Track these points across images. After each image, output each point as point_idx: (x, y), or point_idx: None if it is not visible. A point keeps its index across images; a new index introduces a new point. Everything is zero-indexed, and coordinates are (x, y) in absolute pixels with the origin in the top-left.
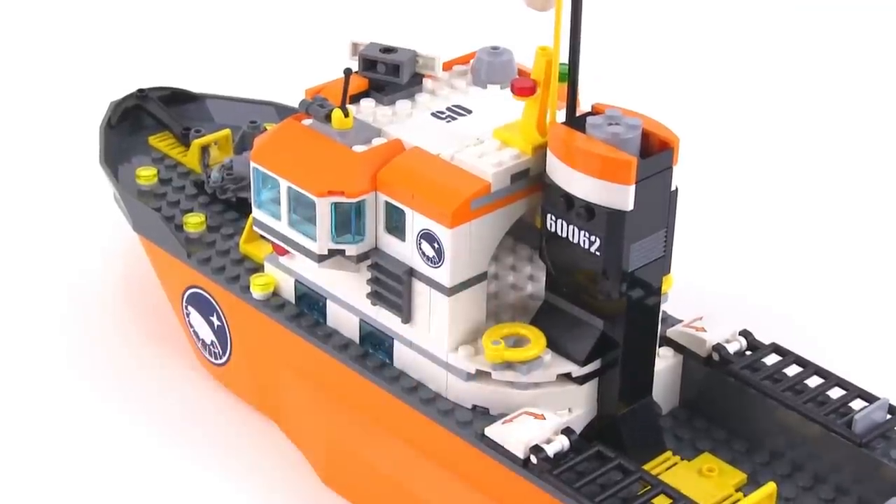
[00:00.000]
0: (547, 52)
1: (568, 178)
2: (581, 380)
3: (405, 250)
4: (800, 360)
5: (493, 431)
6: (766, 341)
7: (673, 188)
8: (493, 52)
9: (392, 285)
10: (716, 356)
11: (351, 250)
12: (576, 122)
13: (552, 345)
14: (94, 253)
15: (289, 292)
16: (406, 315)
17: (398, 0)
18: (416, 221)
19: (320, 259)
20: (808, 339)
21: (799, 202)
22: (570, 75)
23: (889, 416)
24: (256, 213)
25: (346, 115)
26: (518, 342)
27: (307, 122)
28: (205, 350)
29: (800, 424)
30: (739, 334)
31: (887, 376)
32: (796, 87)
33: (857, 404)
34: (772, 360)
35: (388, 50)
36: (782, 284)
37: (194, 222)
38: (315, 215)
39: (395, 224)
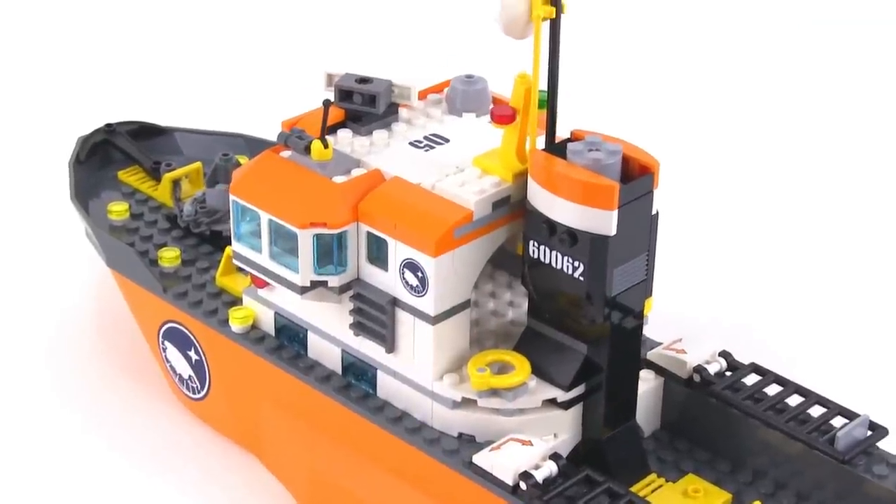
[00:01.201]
0: (526, 80)
1: (550, 204)
2: (566, 405)
3: (388, 280)
4: (779, 380)
5: (481, 459)
6: (745, 362)
7: (654, 212)
8: (468, 80)
9: (375, 315)
10: (697, 377)
11: (333, 281)
12: (556, 148)
13: (536, 370)
14: (66, 289)
15: (268, 325)
16: (390, 345)
17: (367, 30)
18: (398, 251)
19: (303, 291)
20: (787, 359)
21: (768, 223)
22: (550, 102)
23: (870, 433)
24: (236, 245)
25: (326, 146)
26: (503, 369)
27: (286, 153)
28: (182, 385)
29: (782, 443)
30: (719, 355)
31: (864, 392)
32: (768, 111)
33: (837, 421)
34: (752, 379)
35: (363, 80)
36: (757, 305)
37: (169, 257)
38: (296, 247)
39: (378, 254)
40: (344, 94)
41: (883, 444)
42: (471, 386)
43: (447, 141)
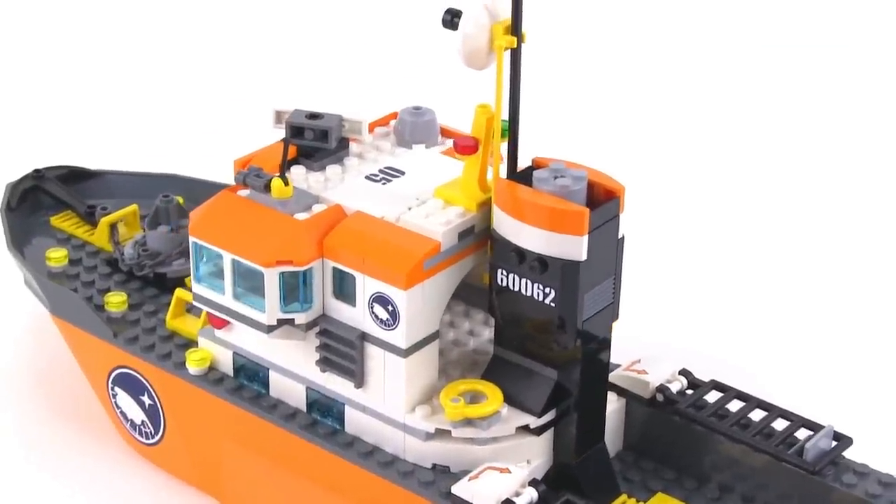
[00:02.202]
0: (486, 110)
1: (518, 232)
2: (538, 430)
3: (356, 315)
4: (741, 395)
5: (460, 489)
6: (704, 379)
7: (620, 236)
8: (416, 112)
9: (344, 351)
10: (660, 397)
11: (300, 318)
12: (520, 176)
13: (507, 398)
14: (2, 339)
15: (226, 366)
16: (359, 380)
17: (289, 66)
18: (367, 285)
19: (269, 329)
20: (745, 374)
21: (710, 241)
22: (511, 131)
23: (835, 443)
24: (196, 287)
25: (287, 183)
26: (474, 398)
27: (243, 192)
28: (134, 430)
29: (747, 457)
30: (679, 374)
31: (821, 403)
32: (718, 135)
33: (801, 433)
34: (713, 396)
35: (314, 116)
36: (708, 323)
37: (116, 302)
38: (261, 286)
39: (344, 289)
40: (295, 131)
41: (846, 453)
42: (445, 416)
43: (402, 173)
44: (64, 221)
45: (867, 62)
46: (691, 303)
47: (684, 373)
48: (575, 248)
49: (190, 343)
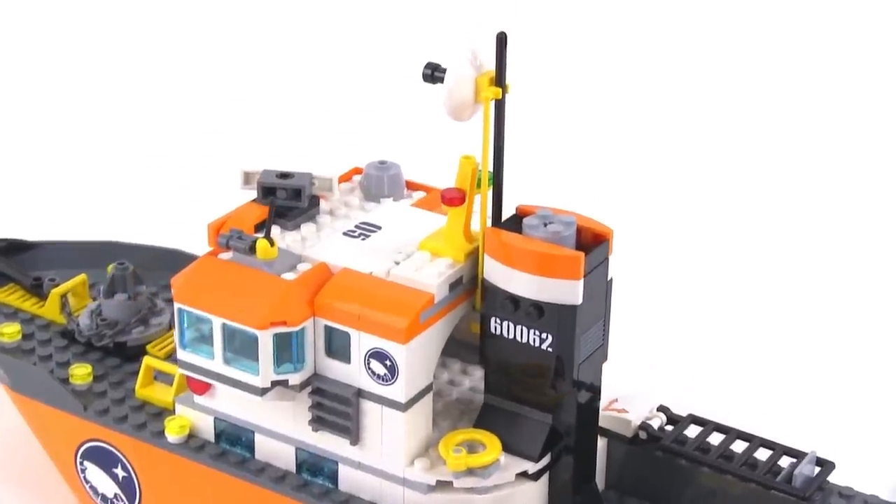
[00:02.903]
0: (471, 161)
1: (511, 279)
2: (536, 475)
3: (351, 371)
4: (720, 427)
5: None
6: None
7: (609, 278)
8: (381, 166)
9: (338, 409)
10: (643, 434)
11: (294, 379)
12: (507, 224)
13: (504, 445)
14: None
15: (207, 432)
16: (355, 436)
17: (223, 128)
18: (363, 342)
19: (263, 392)
20: (720, 406)
21: (661, 273)
22: (496, 180)
23: (818, 468)
24: (182, 354)
25: (272, 244)
26: (472, 447)
27: (225, 256)
28: None
29: (733, 488)
30: (657, 410)
31: (796, 430)
32: (684, 183)
33: (784, 461)
34: (693, 431)
35: (284, 175)
36: (678, 357)
37: (81, 374)
38: (252, 349)
39: (337, 347)
40: (267, 191)
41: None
42: (448, 468)
43: (379, 228)
44: (9, 295)
45: (841, 76)
46: (658, 338)
47: (662, 409)
48: (571, 292)
49: (163, 411)
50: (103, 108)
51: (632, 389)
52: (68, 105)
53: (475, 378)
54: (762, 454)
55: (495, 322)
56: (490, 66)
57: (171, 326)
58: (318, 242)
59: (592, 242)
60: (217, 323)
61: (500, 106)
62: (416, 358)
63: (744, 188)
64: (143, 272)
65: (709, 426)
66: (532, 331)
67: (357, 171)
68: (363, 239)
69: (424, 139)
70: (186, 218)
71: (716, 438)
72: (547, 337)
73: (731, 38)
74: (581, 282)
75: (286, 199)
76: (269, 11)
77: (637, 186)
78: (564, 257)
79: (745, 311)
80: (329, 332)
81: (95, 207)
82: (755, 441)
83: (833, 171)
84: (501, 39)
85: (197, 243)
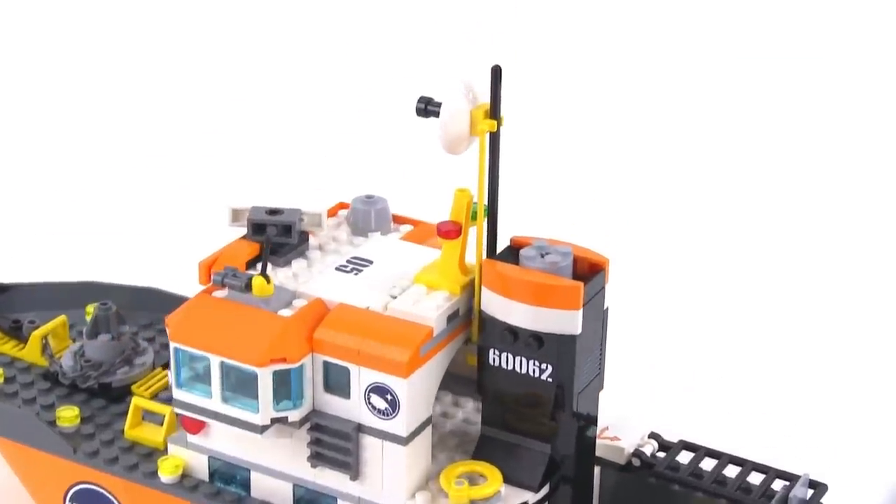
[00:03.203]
0: (466, 194)
1: (510, 310)
2: None
3: (351, 407)
4: (711, 452)
5: None
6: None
7: (605, 307)
8: (368, 200)
9: (338, 444)
10: (636, 462)
11: (293, 416)
12: (503, 256)
13: (503, 476)
14: None
15: (201, 471)
16: (355, 471)
17: (192, 166)
18: (363, 377)
19: (263, 430)
20: (711, 430)
21: (647, 299)
22: (491, 212)
23: (811, 491)
24: (178, 393)
25: (269, 281)
26: (473, 479)
27: (220, 294)
28: None
29: None
30: (649, 437)
31: (784, 452)
32: (670, 215)
33: (777, 484)
34: (685, 456)
35: (273, 212)
36: (664, 385)
37: (69, 416)
38: (251, 386)
39: (336, 382)
40: (257, 228)
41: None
42: (450, 501)
43: (371, 262)
44: None
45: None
46: (645, 364)
47: (653, 435)
48: (570, 322)
49: (153, 451)
50: (74, 148)
51: (621, 416)
52: (40, 146)
53: (468, 410)
54: (755, 478)
55: (494, 353)
56: (483, 98)
57: (155, 366)
58: (312, 278)
59: (589, 272)
60: (215, 361)
61: (494, 138)
62: (417, 391)
63: (728, 216)
64: (122, 312)
65: (700, 451)
66: (531, 361)
67: (343, 205)
68: (356, 274)
69: (406, 173)
70: (160, 256)
71: (708, 463)
72: (547, 367)
73: (719, 81)
74: (581, 311)
75: (276, 236)
76: (252, 44)
77: (622, 212)
78: (564, 287)
79: (730, 335)
80: (327, 367)
81: (70, 248)
82: (748, 465)
83: (810, 217)
84: (496, 72)
85: (172, 281)
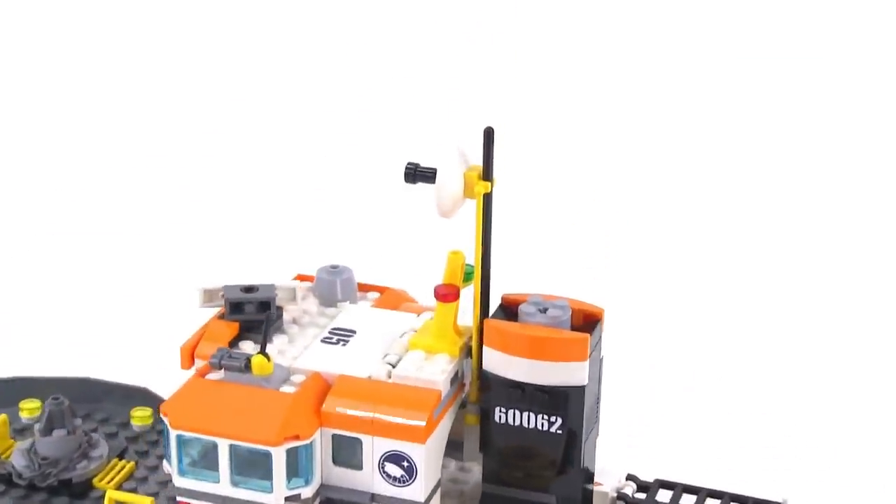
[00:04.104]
0: (460, 256)
1: (516, 367)
2: None
3: (363, 478)
4: (688, 488)
5: None
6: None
7: (601, 356)
8: (333, 270)
9: None
10: None
11: (307, 493)
12: (499, 314)
13: None
14: None
15: None
16: None
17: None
18: (376, 446)
19: None
20: (682, 465)
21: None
22: (483, 273)
23: None
24: (180, 481)
25: (269, 359)
26: None
27: (214, 376)
28: None
29: None
30: (627, 479)
31: (761, 481)
32: (649, 258)
33: None
34: (664, 495)
35: (248, 289)
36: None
37: None
38: (265, 467)
39: (346, 455)
40: (235, 307)
41: None
42: None
43: (354, 332)
44: None
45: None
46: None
47: (631, 477)
48: (578, 374)
49: None
50: None
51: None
52: None
53: (450, 470)
54: None
55: (500, 411)
56: (474, 160)
57: (110, 457)
58: (301, 353)
59: (585, 322)
60: (223, 445)
61: (487, 199)
62: (432, 455)
63: (700, 261)
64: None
65: (678, 488)
66: (541, 416)
67: (301, 277)
68: (343, 345)
69: (354, 240)
70: (84, 345)
71: (688, 500)
72: (556, 420)
73: (708, 112)
74: (587, 362)
75: (254, 314)
76: (218, 102)
77: (585, 261)
78: (573, 340)
79: (693, 365)
80: (337, 440)
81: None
82: (725, 497)
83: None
84: (489, 134)
85: (99, 369)
